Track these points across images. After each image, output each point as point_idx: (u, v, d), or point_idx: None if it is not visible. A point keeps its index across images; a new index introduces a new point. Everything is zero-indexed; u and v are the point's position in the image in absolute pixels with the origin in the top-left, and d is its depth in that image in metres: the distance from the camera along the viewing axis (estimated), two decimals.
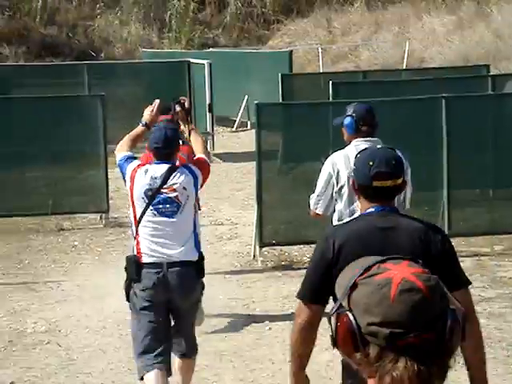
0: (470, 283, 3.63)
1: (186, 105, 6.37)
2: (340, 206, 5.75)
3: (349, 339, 1.74)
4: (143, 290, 5.45)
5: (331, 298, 3.35)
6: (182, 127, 6.29)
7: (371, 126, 5.81)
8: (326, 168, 5.80)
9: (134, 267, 5.48)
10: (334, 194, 5.75)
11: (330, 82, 11.99)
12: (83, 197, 11.46)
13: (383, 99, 10.25)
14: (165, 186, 5.51)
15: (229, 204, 12.54)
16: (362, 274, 1.78)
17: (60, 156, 11.59)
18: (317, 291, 3.44)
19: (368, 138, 5.73)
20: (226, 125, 19.82)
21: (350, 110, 5.88)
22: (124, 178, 5.64)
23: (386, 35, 26.24)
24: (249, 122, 19.12)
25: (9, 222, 11.28)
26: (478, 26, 23.57)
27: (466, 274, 3.70)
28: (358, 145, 5.61)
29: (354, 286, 1.77)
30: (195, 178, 5.63)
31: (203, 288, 5.73)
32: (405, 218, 3.55)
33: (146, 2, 29.47)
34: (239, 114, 19.47)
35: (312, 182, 10.31)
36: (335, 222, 5.58)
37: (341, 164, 5.72)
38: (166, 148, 5.57)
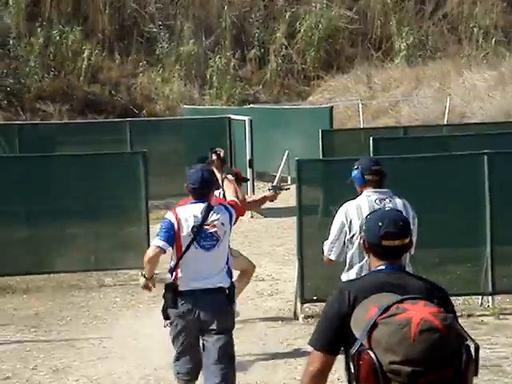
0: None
1: (222, 155, 7.26)
2: (351, 252, 6.12)
3: (371, 377, 1.85)
4: (179, 316, 6.07)
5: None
6: (217, 174, 6.83)
7: (377, 175, 6.25)
8: (339, 216, 6.20)
9: (172, 295, 6.12)
10: (346, 241, 6.13)
11: (371, 138, 11.99)
12: (125, 252, 11.49)
13: (424, 155, 10.21)
14: (206, 223, 6.14)
15: (269, 259, 12.51)
16: (381, 314, 1.91)
17: (102, 212, 11.69)
18: (332, 342, 3.55)
19: (377, 190, 6.23)
20: (267, 180, 19.86)
21: (356, 164, 6.41)
22: (167, 226, 6.14)
23: (427, 91, 26.26)
24: (289, 178, 19.15)
25: (51, 278, 11.35)
26: None
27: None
28: (369, 195, 6.19)
29: (374, 326, 1.89)
30: (230, 215, 6.31)
31: (233, 316, 6.28)
32: (411, 277, 3.80)
33: (187, 60, 29.87)
34: (279, 170, 19.50)
35: None
36: (347, 268, 6.09)
37: (353, 213, 6.12)
38: (203, 188, 6.16)
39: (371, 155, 11.59)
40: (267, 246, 13.39)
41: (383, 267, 3.73)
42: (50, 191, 11.46)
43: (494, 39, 30.12)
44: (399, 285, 3.60)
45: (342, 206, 6.25)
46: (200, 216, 6.12)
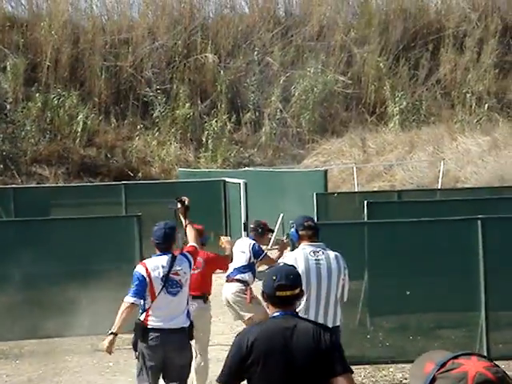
0: (352, 372, 4.56)
1: (186, 202, 7.85)
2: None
3: None
4: (148, 348, 7.08)
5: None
6: (182, 220, 7.80)
7: (310, 230, 7.02)
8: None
9: (141, 331, 7.13)
10: None
11: (365, 202, 12.04)
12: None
13: (418, 219, 10.25)
14: (172, 272, 7.16)
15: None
16: (439, 369, 2.09)
17: (97, 275, 11.64)
18: (233, 376, 4.48)
19: (311, 243, 6.99)
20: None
21: (292, 223, 7.29)
22: (139, 279, 7.13)
23: (421, 155, 26.45)
24: (284, 240, 19.15)
25: (44, 343, 11.26)
26: None
27: None
28: (304, 248, 6.99)
29: (433, 380, 2.08)
30: (190, 262, 7.34)
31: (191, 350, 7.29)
32: (302, 320, 4.59)
33: (183, 123, 30.10)
34: (274, 233, 19.52)
35: (349, 300, 10.26)
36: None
37: (299, 262, 6.80)
38: (165, 243, 7.23)
39: (365, 219, 11.64)
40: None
41: (278, 314, 4.53)
42: (46, 255, 11.44)
43: (486, 105, 30.46)
44: (292, 327, 4.44)
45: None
46: (167, 266, 7.16)
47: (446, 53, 32.06)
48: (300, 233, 7.01)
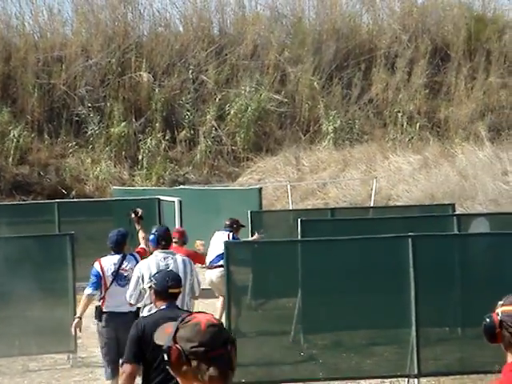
0: None
1: (139, 213, 10.46)
2: (145, 297, 8.16)
3: (178, 359, 2.95)
4: (103, 327, 9.00)
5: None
6: (136, 226, 10.43)
7: (167, 241, 8.72)
8: (135, 273, 8.44)
9: (99, 312, 9.06)
10: (141, 290, 8.25)
11: (299, 220, 12.14)
12: (51, 336, 11.32)
13: (351, 237, 10.38)
14: (121, 268, 9.11)
15: None
16: (180, 323, 2.97)
17: (27, 295, 11.51)
18: (135, 354, 5.87)
19: (164, 250, 8.56)
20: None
21: (153, 230, 9.02)
22: (95, 274, 9.14)
23: (354, 173, 26.75)
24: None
25: None
26: (443, 165, 24.14)
27: None
28: (157, 255, 8.50)
29: (177, 330, 2.96)
30: (137, 261, 9.00)
31: None
32: (181, 311, 6.01)
33: (117, 141, 29.95)
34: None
35: (282, 317, 10.36)
36: (143, 307, 8.31)
37: (144, 270, 8.30)
38: (117, 246, 9.15)
39: (299, 237, 11.74)
40: None
41: (164, 307, 6.08)
42: None
43: (417, 124, 30.97)
44: (174, 316, 5.22)
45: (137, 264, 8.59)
46: (117, 263, 9.13)
47: (378, 72, 32.53)
48: (160, 242, 8.61)
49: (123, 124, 30.16)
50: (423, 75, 32.37)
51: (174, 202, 17.01)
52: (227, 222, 13.22)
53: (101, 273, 9.09)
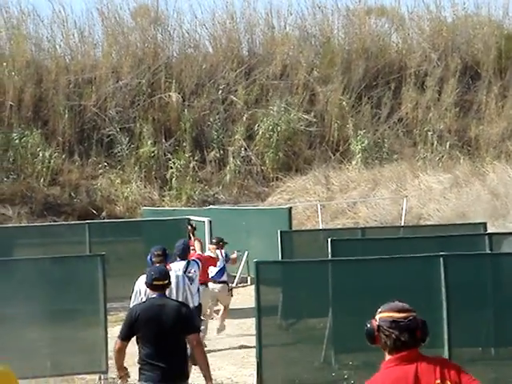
0: (199, 330, 7.98)
1: (194, 225, 14.04)
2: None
3: None
4: None
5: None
6: (191, 237, 13.09)
7: (162, 260, 9.36)
8: (135, 287, 9.56)
9: None
10: (140, 300, 9.09)
11: (329, 240, 12.10)
12: (82, 357, 11.35)
13: (381, 257, 10.33)
14: (187, 271, 11.02)
15: (228, 362, 12.42)
16: None
17: (59, 315, 11.56)
18: (126, 334, 7.33)
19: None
20: (228, 281, 19.82)
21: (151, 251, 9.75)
22: None
23: (384, 192, 26.65)
24: (249, 278, 19.14)
25: None
26: (474, 184, 23.99)
27: None
28: None
29: None
30: (198, 265, 11.48)
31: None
32: (169, 300, 7.66)
33: (147, 161, 30.09)
34: (239, 270, 19.55)
35: (313, 338, 10.31)
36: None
37: (141, 284, 9.00)
38: (183, 254, 11.38)
39: (329, 256, 11.71)
40: (226, 347, 13.29)
41: (155, 296, 7.41)
42: (9, 295, 11.33)
43: (448, 143, 30.83)
44: (163, 304, 7.28)
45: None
46: (183, 268, 11.04)
47: (408, 91, 32.46)
48: (153, 259, 9.40)
49: (153, 144, 30.31)
50: (453, 94, 32.25)
51: (204, 221, 17.05)
52: (214, 241, 14.67)
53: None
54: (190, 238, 14.58)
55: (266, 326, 9.97)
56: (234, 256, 15.10)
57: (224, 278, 14.39)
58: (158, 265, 8.22)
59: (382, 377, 4.17)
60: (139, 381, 7.25)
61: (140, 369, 7.24)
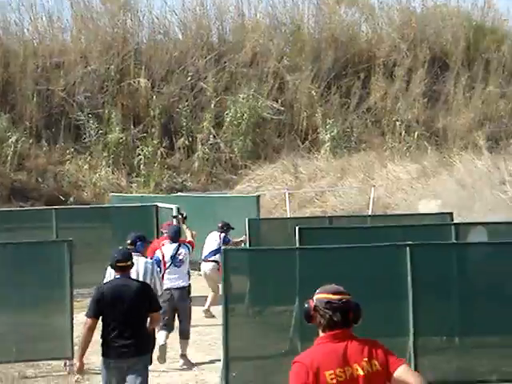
0: (160, 308, 8.34)
1: (184, 215, 13.58)
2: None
3: None
4: (164, 302, 10.75)
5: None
6: (182, 225, 13.16)
7: (132, 246, 9.83)
8: (107, 272, 9.62)
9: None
10: None
11: (297, 228, 12.12)
12: (48, 343, 11.29)
13: (349, 245, 10.36)
14: (177, 253, 11.90)
15: (196, 349, 12.42)
16: None
17: (25, 301, 11.48)
18: (94, 312, 7.73)
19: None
20: (196, 268, 19.81)
21: (131, 236, 10.19)
22: (156, 261, 11.41)
23: (352, 181, 26.76)
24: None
25: None
26: (442, 174, 24.15)
27: None
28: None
29: None
30: (189, 249, 12.12)
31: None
32: (132, 280, 8.11)
33: (115, 148, 29.94)
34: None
35: (280, 325, 10.34)
36: None
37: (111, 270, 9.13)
38: (175, 237, 12.13)
39: (297, 245, 11.74)
40: (194, 335, 13.29)
41: (119, 276, 7.96)
42: None
43: (416, 133, 31.00)
44: (125, 284, 7.82)
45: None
46: (175, 250, 11.90)
47: (377, 81, 32.57)
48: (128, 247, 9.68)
49: (121, 130, 30.16)
50: (422, 84, 32.42)
51: (172, 208, 17.00)
52: (219, 225, 15.55)
53: (161, 257, 11.81)
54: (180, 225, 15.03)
55: (233, 313, 9.97)
56: (236, 240, 15.57)
57: (215, 257, 14.95)
58: (120, 247, 8.46)
59: (313, 351, 4.51)
60: (102, 356, 7.64)
61: (102, 345, 7.64)
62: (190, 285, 12.24)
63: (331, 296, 4.59)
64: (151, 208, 17.64)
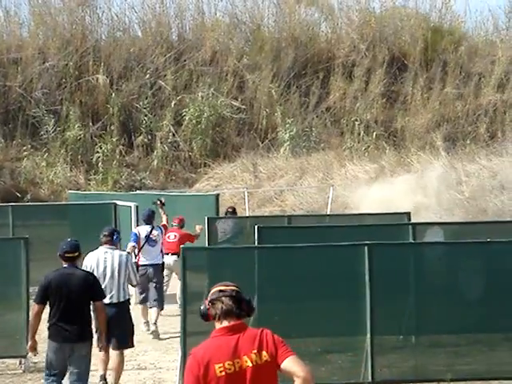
0: (104, 297, 8.89)
1: (162, 201, 15.32)
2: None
3: None
4: (140, 276, 12.31)
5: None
6: (160, 211, 14.94)
7: (109, 240, 10.12)
8: (84, 263, 9.93)
9: (137, 267, 11.80)
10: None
11: (256, 227, 12.14)
12: (3, 340, 11.19)
13: (307, 244, 10.39)
14: (151, 234, 13.38)
15: (153, 347, 12.39)
16: None
17: None
18: (41, 298, 8.28)
19: (107, 246, 10.09)
20: None
21: (106, 230, 10.42)
22: (134, 235, 13.51)
23: (311, 181, 26.85)
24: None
25: None
26: (399, 174, 24.32)
27: None
28: (101, 250, 10.12)
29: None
30: (162, 231, 13.78)
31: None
32: (78, 270, 8.55)
33: (73, 145, 29.73)
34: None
35: None
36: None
37: (88, 260, 10.05)
38: (148, 219, 13.67)
39: (256, 243, 11.76)
40: (150, 335, 13.24)
41: (66, 266, 8.36)
42: None
43: (374, 133, 31.19)
44: (71, 273, 8.30)
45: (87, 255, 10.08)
46: (149, 231, 13.38)
47: (336, 81, 32.72)
48: (102, 239, 10.10)
49: (80, 128, 29.95)
50: (380, 84, 32.61)
51: (130, 207, 16.92)
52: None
53: (138, 236, 13.26)
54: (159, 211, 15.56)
55: (191, 312, 9.95)
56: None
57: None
58: (69, 239, 8.64)
59: (207, 344, 4.71)
60: (48, 338, 8.31)
61: (48, 328, 8.29)
62: (163, 263, 13.65)
63: (223, 287, 4.80)
64: (109, 206, 17.55)
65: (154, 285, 13.36)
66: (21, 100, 30.28)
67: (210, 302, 4.77)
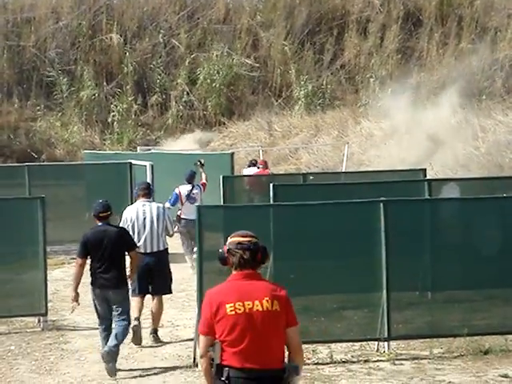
0: (136, 246, 9.82)
1: (202, 162, 16.01)
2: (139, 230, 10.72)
3: None
4: (182, 227, 14.57)
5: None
6: (201, 170, 15.80)
7: (146, 193, 10.62)
8: (124, 215, 10.59)
9: (179, 218, 14.67)
10: (134, 228, 10.48)
11: (271, 184, 12.13)
12: (21, 299, 11.27)
13: (323, 202, 10.39)
14: (192, 192, 14.76)
15: (169, 305, 12.46)
16: None
17: None
18: (82, 253, 9.19)
19: (145, 199, 10.59)
20: None
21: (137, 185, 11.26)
22: (175, 195, 14.77)
23: (326, 138, 26.76)
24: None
25: None
26: (414, 130, 24.19)
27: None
28: (139, 203, 10.61)
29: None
30: (201, 189, 15.01)
31: None
32: (111, 226, 9.36)
33: (88, 105, 29.72)
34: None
35: None
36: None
37: (127, 213, 10.58)
38: (190, 179, 14.93)
39: (271, 201, 11.77)
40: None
41: (101, 224, 9.22)
42: None
43: (389, 89, 30.99)
44: (105, 230, 9.18)
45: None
46: (189, 189, 14.70)
47: (350, 38, 32.47)
48: (138, 193, 10.68)
49: (94, 87, 29.91)
50: (395, 40, 32.35)
51: (145, 166, 16.94)
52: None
53: (179, 194, 14.60)
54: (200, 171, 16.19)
55: (208, 270, 9.99)
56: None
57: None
58: (100, 201, 9.34)
59: (223, 286, 5.07)
60: (90, 284, 9.26)
61: (91, 276, 9.26)
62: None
63: (241, 239, 5.07)
64: (125, 165, 17.56)
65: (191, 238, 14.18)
66: (35, 60, 30.24)
67: (228, 250, 5.07)
